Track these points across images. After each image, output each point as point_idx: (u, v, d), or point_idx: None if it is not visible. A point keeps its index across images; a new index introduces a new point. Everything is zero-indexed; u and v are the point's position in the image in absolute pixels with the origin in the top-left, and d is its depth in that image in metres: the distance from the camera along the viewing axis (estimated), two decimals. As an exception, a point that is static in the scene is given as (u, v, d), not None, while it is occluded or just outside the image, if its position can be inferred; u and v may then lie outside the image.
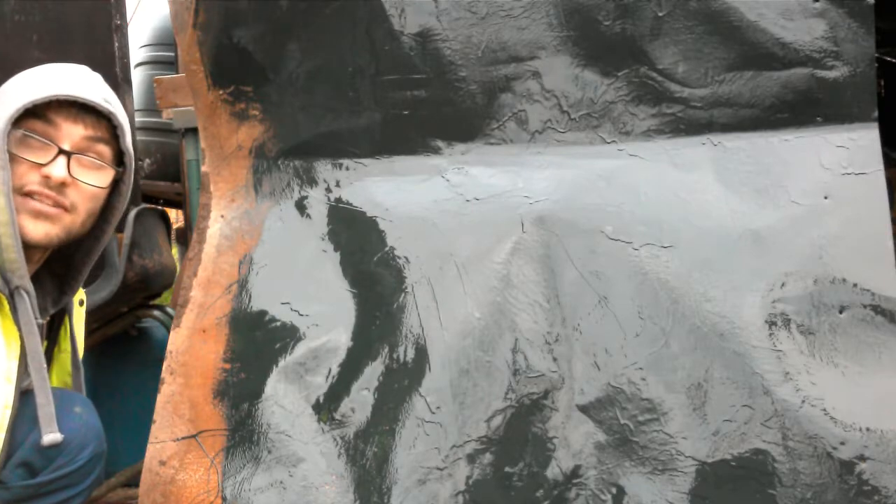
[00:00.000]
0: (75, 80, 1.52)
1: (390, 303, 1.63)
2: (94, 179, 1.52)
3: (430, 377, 1.56)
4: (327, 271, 1.68)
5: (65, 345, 1.67)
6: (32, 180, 1.45)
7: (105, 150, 1.54)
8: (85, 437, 1.54)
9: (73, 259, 1.63)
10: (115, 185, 1.59)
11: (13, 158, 1.42)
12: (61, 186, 1.46)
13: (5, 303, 1.38)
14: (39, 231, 1.46)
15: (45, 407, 1.43)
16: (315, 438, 1.59)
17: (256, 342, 1.68)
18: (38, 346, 1.46)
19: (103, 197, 1.57)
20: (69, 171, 1.46)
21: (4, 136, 1.39)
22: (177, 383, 1.67)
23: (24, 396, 1.47)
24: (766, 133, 1.50)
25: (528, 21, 1.60)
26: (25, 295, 1.43)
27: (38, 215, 1.45)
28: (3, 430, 1.34)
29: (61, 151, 1.46)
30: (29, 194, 1.45)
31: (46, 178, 1.44)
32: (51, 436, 1.42)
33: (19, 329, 1.40)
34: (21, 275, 1.42)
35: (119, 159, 1.58)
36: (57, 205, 1.47)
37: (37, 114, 1.45)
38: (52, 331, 1.66)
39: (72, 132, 1.48)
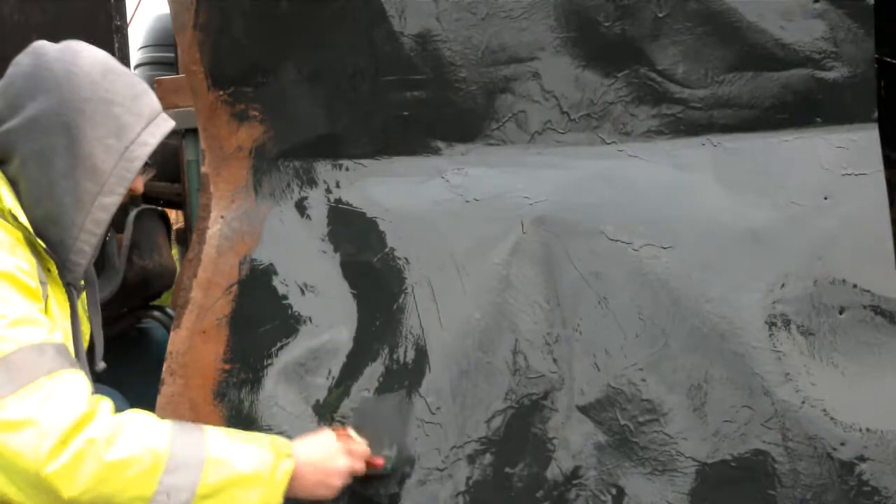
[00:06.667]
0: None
1: (390, 303, 1.63)
2: None
3: (430, 377, 1.56)
4: (327, 272, 1.68)
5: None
6: None
7: None
8: None
9: None
10: None
11: None
12: None
13: (54, 267, 1.39)
14: None
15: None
16: (315, 439, 1.59)
17: (256, 343, 1.68)
18: (79, 310, 1.49)
19: None
20: None
21: None
22: (177, 384, 1.67)
23: None
24: (766, 134, 1.50)
25: (528, 22, 1.60)
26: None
27: None
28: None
29: None
30: None
31: None
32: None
33: (68, 291, 1.41)
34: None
35: None
36: None
37: None
38: None
39: None
